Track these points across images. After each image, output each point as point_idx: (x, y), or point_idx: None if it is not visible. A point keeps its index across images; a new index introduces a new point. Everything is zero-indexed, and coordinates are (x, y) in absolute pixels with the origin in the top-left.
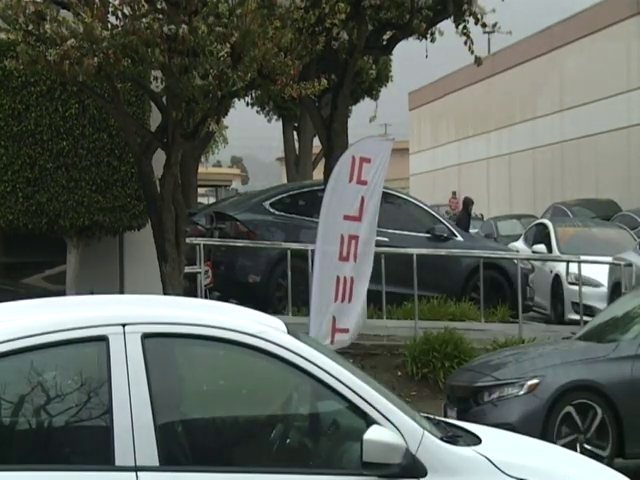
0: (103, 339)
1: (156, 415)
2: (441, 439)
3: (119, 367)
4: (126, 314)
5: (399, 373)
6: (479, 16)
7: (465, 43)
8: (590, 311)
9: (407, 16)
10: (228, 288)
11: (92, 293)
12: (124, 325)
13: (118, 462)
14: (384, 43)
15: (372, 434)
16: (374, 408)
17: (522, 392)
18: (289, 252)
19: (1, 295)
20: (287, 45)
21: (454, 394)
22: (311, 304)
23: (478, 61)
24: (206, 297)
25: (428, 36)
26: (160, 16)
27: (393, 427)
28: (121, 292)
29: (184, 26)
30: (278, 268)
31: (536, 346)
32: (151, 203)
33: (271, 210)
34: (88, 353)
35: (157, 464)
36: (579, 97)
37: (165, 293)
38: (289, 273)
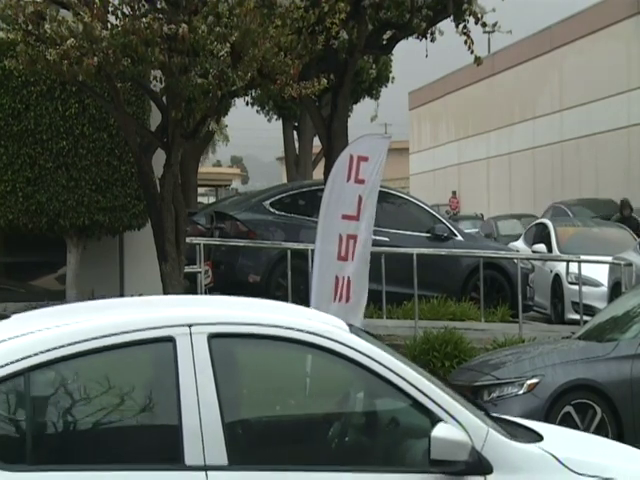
0: (170, 340)
1: (224, 414)
2: (505, 436)
3: (186, 367)
4: (192, 315)
5: None
6: (479, 15)
7: (465, 43)
8: (590, 311)
9: (407, 15)
10: (228, 288)
11: (92, 293)
12: (190, 326)
13: (188, 462)
14: (384, 43)
15: (440, 431)
16: (439, 406)
17: (522, 391)
18: (289, 252)
19: (1, 294)
20: (287, 45)
21: None
22: (311, 304)
23: (478, 61)
24: None
25: (428, 36)
26: (160, 16)
27: (458, 424)
28: (121, 292)
29: (184, 26)
30: (278, 268)
31: (536, 345)
32: (151, 203)
33: (271, 210)
34: (156, 353)
35: (226, 463)
36: (579, 97)
37: (165, 293)
38: (289, 273)
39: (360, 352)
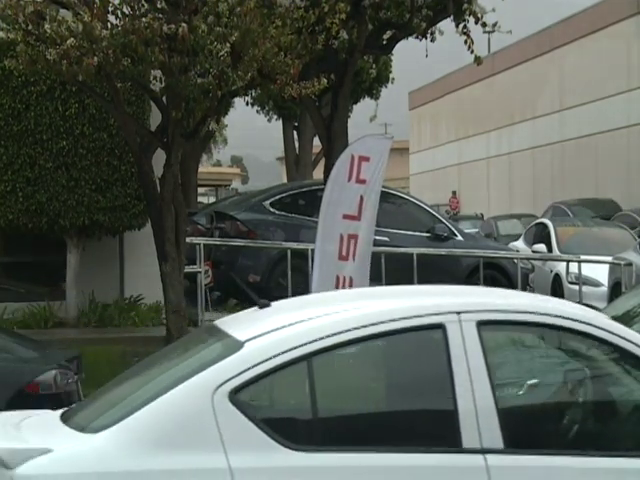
0: (440, 327)
1: (497, 399)
2: None
3: (458, 353)
4: (460, 302)
5: None
6: (479, 15)
7: (465, 42)
8: None
9: (407, 15)
10: (228, 288)
11: (93, 293)
12: (459, 313)
13: (465, 445)
14: (384, 43)
15: None
16: None
17: (521, 392)
18: (289, 252)
19: (1, 294)
20: (287, 45)
21: None
22: None
23: (478, 60)
24: (206, 297)
25: (428, 35)
26: (160, 15)
27: None
28: (121, 292)
29: (184, 25)
30: (278, 268)
31: None
32: (151, 203)
33: (271, 210)
34: (427, 340)
35: (502, 447)
36: (579, 97)
37: (165, 293)
38: (289, 273)
39: (626, 339)
